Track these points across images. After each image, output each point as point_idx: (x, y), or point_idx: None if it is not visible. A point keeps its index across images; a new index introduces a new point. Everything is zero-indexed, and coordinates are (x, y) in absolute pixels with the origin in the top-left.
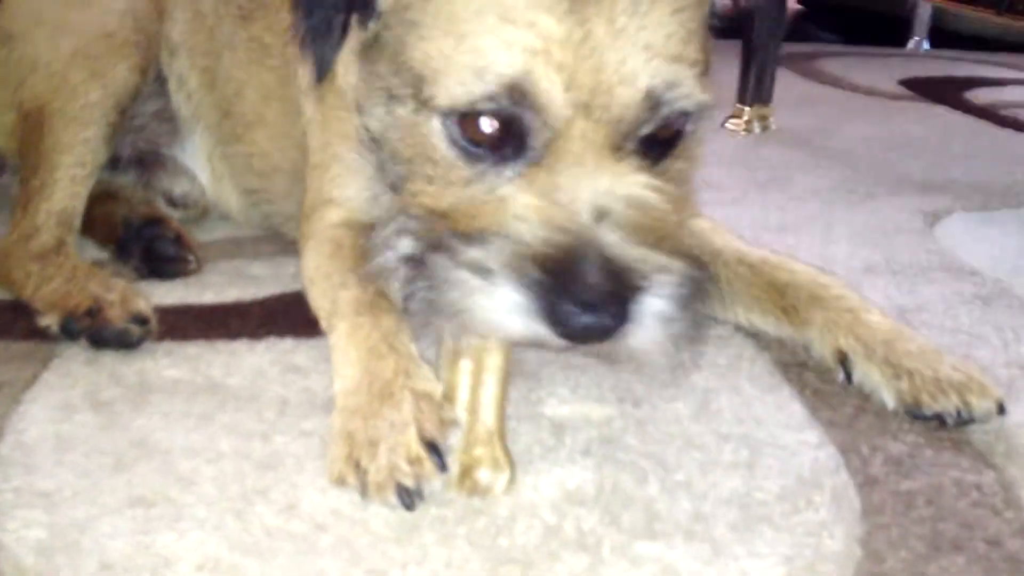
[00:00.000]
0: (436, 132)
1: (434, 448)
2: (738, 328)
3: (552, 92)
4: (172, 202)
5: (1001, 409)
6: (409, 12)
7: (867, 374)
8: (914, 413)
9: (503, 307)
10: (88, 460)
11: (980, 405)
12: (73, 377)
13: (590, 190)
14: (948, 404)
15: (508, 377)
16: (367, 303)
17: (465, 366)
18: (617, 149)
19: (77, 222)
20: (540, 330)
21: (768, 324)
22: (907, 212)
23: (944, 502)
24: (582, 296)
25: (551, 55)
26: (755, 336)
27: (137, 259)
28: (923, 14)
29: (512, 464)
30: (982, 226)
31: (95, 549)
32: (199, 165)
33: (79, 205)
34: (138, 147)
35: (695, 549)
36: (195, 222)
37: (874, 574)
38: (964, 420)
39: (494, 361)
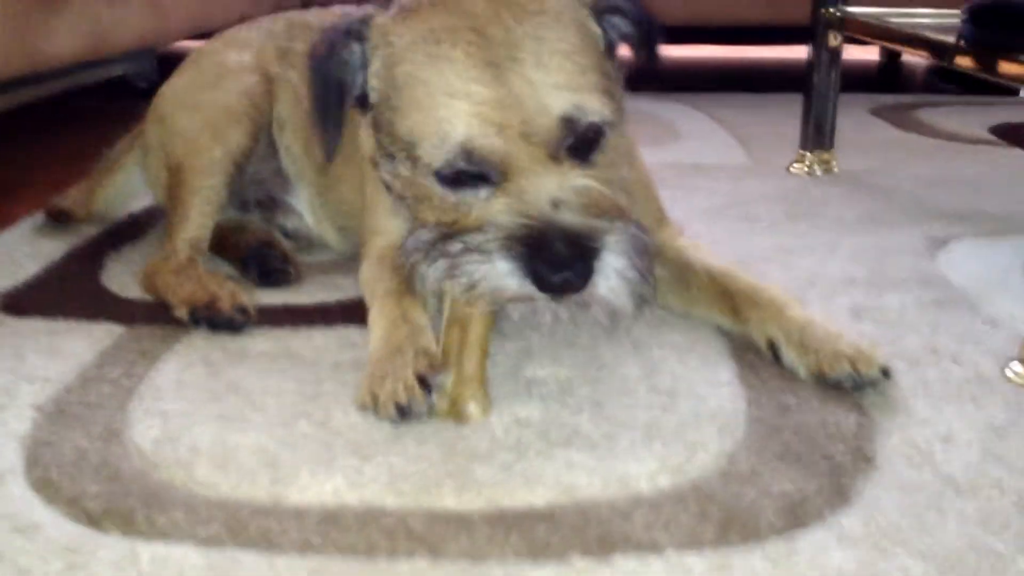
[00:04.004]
0: (426, 179)
1: (424, 382)
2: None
3: (493, 141)
4: (287, 235)
5: (886, 374)
6: (391, 101)
7: (788, 355)
8: (821, 381)
9: (501, 275)
10: (195, 394)
11: (867, 371)
12: (194, 348)
13: (544, 189)
14: (842, 370)
15: (487, 340)
16: (394, 290)
17: (455, 332)
18: (555, 159)
19: (204, 246)
20: (528, 287)
21: (722, 321)
22: (915, 238)
23: (805, 432)
24: (554, 260)
25: (486, 115)
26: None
27: (254, 271)
28: None
29: (488, 401)
30: (981, 249)
31: (189, 442)
32: (305, 209)
33: (206, 233)
34: (261, 194)
35: (596, 453)
36: (305, 251)
37: (724, 472)
38: (858, 384)
39: (475, 329)
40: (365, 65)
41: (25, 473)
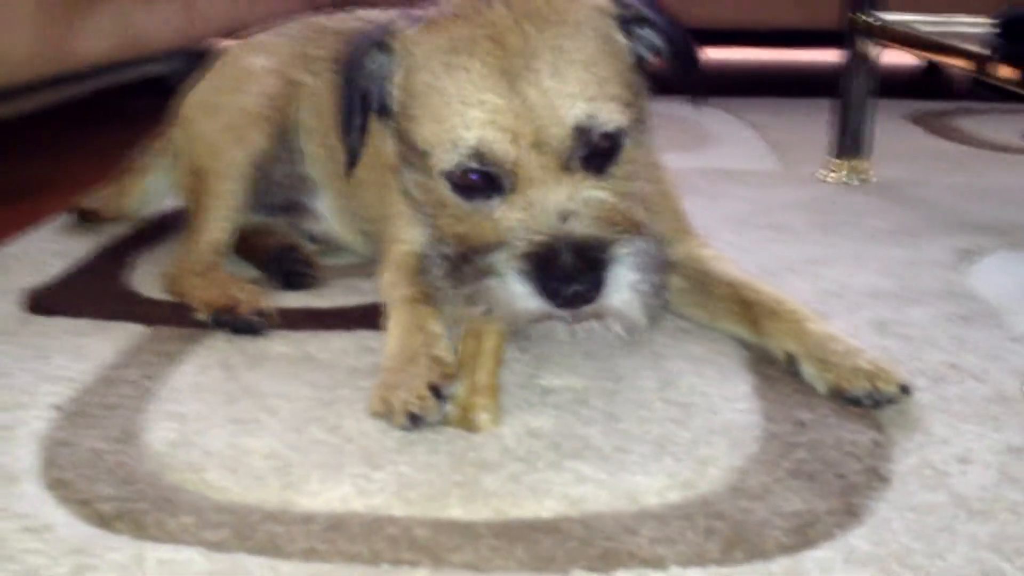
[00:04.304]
0: (441, 186)
1: (436, 391)
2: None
3: (504, 148)
4: (312, 239)
5: (906, 391)
6: (409, 110)
7: (806, 369)
8: (839, 397)
9: (515, 298)
10: (211, 397)
11: (885, 388)
12: (214, 350)
13: (554, 201)
14: (860, 387)
15: (502, 350)
16: (411, 298)
17: (471, 342)
18: (566, 169)
19: (224, 248)
20: (541, 304)
21: (741, 333)
22: (946, 250)
23: (819, 450)
24: (562, 272)
25: (499, 122)
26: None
27: (278, 274)
28: None
29: (499, 411)
30: (1012, 263)
31: (202, 445)
32: (328, 213)
33: (226, 236)
34: (286, 199)
35: (606, 466)
36: (330, 254)
37: (734, 488)
38: (876, 401)
39: (490, 339)
40: (388, 75)
41: (41, 473)
